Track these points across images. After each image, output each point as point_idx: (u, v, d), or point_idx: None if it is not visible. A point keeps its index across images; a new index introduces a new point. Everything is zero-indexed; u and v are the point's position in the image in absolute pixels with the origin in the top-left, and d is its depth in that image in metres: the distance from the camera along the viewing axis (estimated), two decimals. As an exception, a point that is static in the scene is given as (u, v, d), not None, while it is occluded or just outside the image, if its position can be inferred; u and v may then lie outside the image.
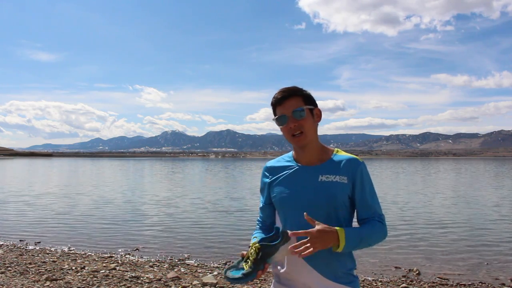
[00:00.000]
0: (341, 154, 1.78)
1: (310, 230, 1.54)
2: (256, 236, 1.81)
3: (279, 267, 1.79)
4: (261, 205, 1.93)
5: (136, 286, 5.24)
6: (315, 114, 1.78)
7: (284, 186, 1.77)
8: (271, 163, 1.90)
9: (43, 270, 5.89)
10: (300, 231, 1.55)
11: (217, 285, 5.30)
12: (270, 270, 1.83)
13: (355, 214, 1.79)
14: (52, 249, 7.68)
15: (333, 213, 1.68)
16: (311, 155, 1.77)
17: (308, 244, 1.51)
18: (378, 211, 1.73)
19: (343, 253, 1.69)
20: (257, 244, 1.61)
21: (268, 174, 1.86)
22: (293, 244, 1.54)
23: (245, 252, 1.66)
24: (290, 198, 1.74)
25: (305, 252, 1.50)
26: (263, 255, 1.59)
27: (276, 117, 1.75)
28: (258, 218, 1.96)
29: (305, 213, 1.58)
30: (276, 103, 1.75)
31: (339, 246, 1.56)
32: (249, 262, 1.58)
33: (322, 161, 1.76)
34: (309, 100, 1.77)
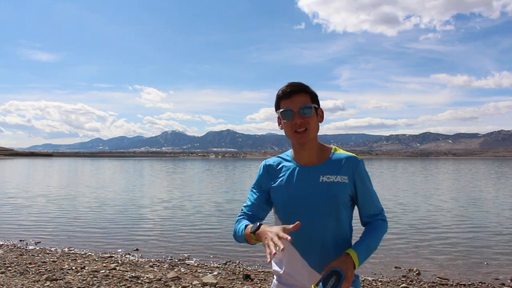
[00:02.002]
0: (340, 153, 1.77)
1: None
2: (250, 222, 1.69)
3: (279, 267, 1.79)
4: (254, 202, 1.82)
5: (136, 286, 5.24)
6: (319, 114, 1.77)
7: (285, 187, 1.75)
8: (270, 161, 1.86)
9: (43, 270, 5.89)
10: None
11: (217, 285, 5.30)
12: (270, 269, 1.83)
13: (358, 212, 1.80)
14: (52, 249, 7.68)
15: (334, 213, 1.68)
16: (311, 154, 1.75)
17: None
18: (379, 206, 1.80)
19: (342, 252, 1.69)
20: None
21: (267, 173, 1.83)
22: None
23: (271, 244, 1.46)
24: (291, 199, 1.72)
25: None
26: None
27: (282, 110, 1.71)
28: (245, 211, 1.83)
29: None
30: (284, 97, 1.71)
31: (355, 267, 1.61)
32: None
33: (322, 160, 1.75)
34: (315, 99, 1.75)
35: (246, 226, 1.67)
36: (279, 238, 1.42)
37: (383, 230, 1.76)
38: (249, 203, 1.84)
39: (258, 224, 1.60)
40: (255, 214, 1.81)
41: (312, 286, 1.55)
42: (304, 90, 1.72)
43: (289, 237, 1.41)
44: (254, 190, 1.86)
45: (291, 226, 1.46)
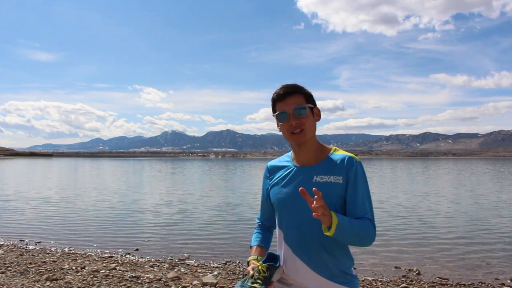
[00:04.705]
0: (338, 153, 1.76)
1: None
2: (257, 241, 1.90)
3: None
4: (265, 208, 1.95)
5: (136, 286, 5.25)
6: (315, 113, 1.78)
7: (281, 187, 1.78)
8: (272, 163, 1.91)
9: (43, 270, 5.89)
10: (319, 193, 1.48)
11: (217, 285, 5.30)
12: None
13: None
14: (53, 249, 7.68)
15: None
16: (308, 154, 1.76)
17: (317, 206, 1.46)
18: (369, 213, 1.68)
19: (340, 252, 1.71)
20: (265, 264, 1.69)
21: (268, 175, 1.88)
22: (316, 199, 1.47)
23: (251, 270, 1.69)
24: (285, 199, 1.75)
25: (316, 214, 1.46)
26: (271, 274, 1.68)
27: (277, 113, 1.74)
28: (258, 217, 2.01)
29: (301, 188, 1.51)
30: (278, 99, 1.74)
31: (331, 226, 1.49)
32: (261, 281, 1.65)
33: (318, 161, 1.75)
34: (310, 99, 1.77)
35: (251, 247, 1.90)
36: None
37: (368, 227, 1.63)
38: (260, 211, 1.99)
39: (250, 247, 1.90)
40: (268, 219, 1.95)
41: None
42: (297, 91, 1.74)
43: None
44: (262, 196, 1.95)
45: None
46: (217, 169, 54.93)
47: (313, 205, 1.47)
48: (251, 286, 1.60)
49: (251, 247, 1.90)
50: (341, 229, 1.51)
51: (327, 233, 1.51)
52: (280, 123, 1.75)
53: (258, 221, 2.00)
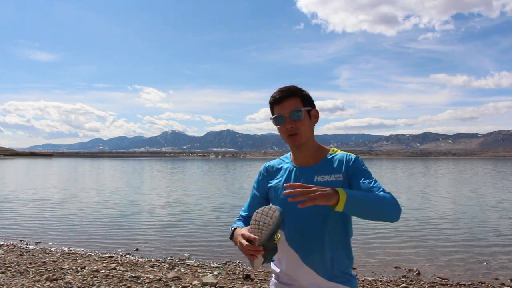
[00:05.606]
0: (336, 153, 1.79)
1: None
2: (240, 225, 1.77)
3: (277, 267, 1.82)
4: (251, 203, 1.90)
5: (136, 286, 5.25)
6: (312, 115, 1.79)
7: (281, 188, 1.77)
8: (271, 163, 1.92)
9: (43, 270, 5.89)
10: (297, 183, 1.46)
11: (217, 285, 5.31)
12: (270, 269, 1.85)
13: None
14: (52, 249, 7.69)
15: (328, 213, 1.67)
16: (307, 155, 1.78)
17: (309, 194, 1.43)
18: (384, 189, 1.64)
19: (341, 252, 1.71)
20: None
21: (266, 174, 1.89)
22: (291, 191, 1.44)
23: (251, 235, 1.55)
24: (286, 200, 1.74)
25: (303, 203, 1.42)
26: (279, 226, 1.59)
27: (274, 116, 1.76)
28: (242, 210, 1.94)
29: (284, 184, 1.52)
30: (274, 103, 1.75)
31: (338, 201, 1.45)
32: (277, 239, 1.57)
33: (317, 161, 1.77)
34: (307, 101, 1.77)
35: (233, 229, 1.77)
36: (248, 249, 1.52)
37: (385, 196, 1.58)
38: (246, 205, 1.94)
39: (232, 229, 1.74)
40: (250, 214, 1.85)
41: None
42: (293, 94, 1.74)
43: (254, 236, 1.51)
44: (253, 192, 1.94)
45: (253, 236, 1.52)
46: (217, 169, 54.92)
47: (297, 198, 1.43)
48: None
49: (233, 228, 1.79)
50: (352, 202, 1.48)
51: (337, 209, 1.47)
52: (277, 126, 1.77)
53: (242, 213, 1.92)
